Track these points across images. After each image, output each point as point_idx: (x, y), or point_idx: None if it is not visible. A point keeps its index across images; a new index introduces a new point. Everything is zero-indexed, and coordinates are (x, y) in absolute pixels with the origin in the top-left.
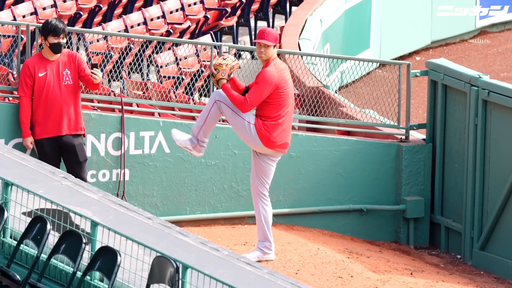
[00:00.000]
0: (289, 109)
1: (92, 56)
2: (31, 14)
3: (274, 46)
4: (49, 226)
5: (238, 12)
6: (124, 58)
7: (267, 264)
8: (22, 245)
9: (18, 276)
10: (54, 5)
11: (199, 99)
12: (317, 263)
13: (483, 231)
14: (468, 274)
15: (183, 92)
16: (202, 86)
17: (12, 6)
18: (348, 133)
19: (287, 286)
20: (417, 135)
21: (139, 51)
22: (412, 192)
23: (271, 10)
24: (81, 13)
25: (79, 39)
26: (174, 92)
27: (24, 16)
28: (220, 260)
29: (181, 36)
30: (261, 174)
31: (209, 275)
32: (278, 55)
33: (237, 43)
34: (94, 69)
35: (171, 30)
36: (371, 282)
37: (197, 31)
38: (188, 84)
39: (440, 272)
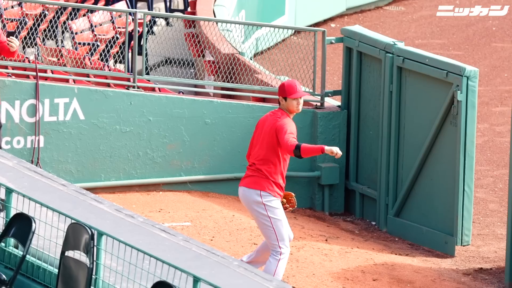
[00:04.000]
0: None
1: (7, 23)
2: None
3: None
4: None
5: None
6: (38, 25)
7: (182, 231)
8: None
9: None
10: None
11: (114, 65)
12: (232, 230)
13: (398, 198)
14: (382, 240)
15: (98, 59)
16: (117, 52)
17: None
18: (263, 99)
19: (202, 252)
20: (332, 102)
21: (53, 17)
22: (327, 159)
23: None
24: None
25: None
26: (89, 59)
27: None
28: (135, 226)
29: (96, 2)
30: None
31: (124, 242)
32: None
33: (152, 10)
34: (10, 37)
35: None
36: None
37: None
38: (103, 50)
39: (355, 239)
